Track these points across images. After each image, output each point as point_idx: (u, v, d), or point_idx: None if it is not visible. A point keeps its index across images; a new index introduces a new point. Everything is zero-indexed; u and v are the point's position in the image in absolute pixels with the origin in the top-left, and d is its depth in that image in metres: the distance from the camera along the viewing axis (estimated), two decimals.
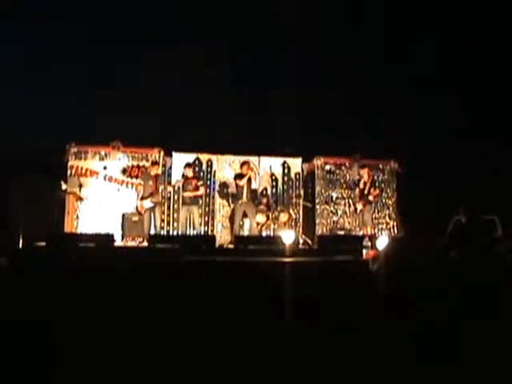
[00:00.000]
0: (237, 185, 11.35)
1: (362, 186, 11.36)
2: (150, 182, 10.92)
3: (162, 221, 11.83)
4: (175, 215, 12.25)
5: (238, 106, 14.28)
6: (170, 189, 11.04)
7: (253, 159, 12.86)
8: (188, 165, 11.63)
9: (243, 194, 11.18)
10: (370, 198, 11.29)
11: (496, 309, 4.36)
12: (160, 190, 10.95)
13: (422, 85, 15.25)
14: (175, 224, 12.21)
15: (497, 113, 15.31)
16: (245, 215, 11.42)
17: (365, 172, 11.47)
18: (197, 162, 12.61)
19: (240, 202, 11.22)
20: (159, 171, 11.38)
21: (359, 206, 11.31)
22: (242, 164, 11.58)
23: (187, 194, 11.16)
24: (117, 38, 15.01)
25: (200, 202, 11.81)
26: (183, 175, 11.42)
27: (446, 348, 3.56)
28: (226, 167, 12.84)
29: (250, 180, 11.31)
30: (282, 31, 14.61)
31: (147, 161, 12.39)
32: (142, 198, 10.92)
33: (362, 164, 12.32)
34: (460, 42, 15.51)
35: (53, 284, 4.80)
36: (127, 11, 15.20)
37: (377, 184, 12.17)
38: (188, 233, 11.41)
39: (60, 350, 3.36)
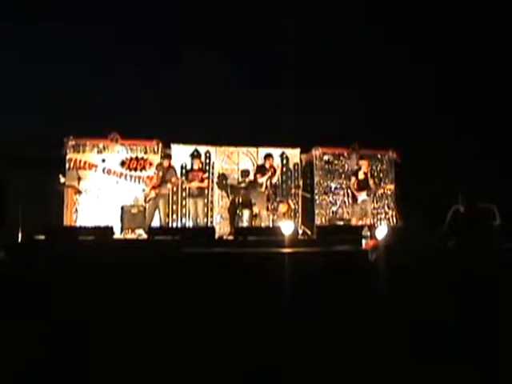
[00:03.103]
0: (255, 178, 11.38)
1: (362, 176, 11.34)
2: (160, 173, 11.05)
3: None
4: (174, 207, 12.29)
5: (236, 97, 14.24)
6: (169, 185, 11.06)
7: (251, 150, 12.89)
8: (196, 156, 11.81)
9: (262, 187, 11.22)
10: (382, 188, 11.40)
11: (494, 302, 4.36)
12: (168, 184, 11.02)
13: (420, 74, 15.22)
14: (174, 216, 12.25)
15: (496, 102, 15.30)
16: (245, 206, 11.49)
17: (364, 164, 11.47)
18: (195, 153, 12.60)
19: (258, 190, 11.22)
20: (172, 164, 11.45)
21: (361, 196, 11.27)
22: (266, 157, 11.64)
23: (194, 185, 11.23)
24: (113, 34, 15.00)
25: (205, 193, 11.85)
26: (191, 167, 11.58)
27: (445, 341, 3.56)
28: (224, 158, 12.84)
29: (272, 176, 11.33)
30: (280, 24, 14.59)
31: (146, 153, 12.40)
32: (153, 188, 11.01)
33: (361, 155, 12.36)
34: (459, 33, 15.47)
35: (51, 277, 4.80)
36: (126, 9, 15.18)
37: (375, 175, 12.24)
38: (189, 225, 11.46)
39: (57, 343, 3.36)
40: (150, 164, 12.29)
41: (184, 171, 12.18)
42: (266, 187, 11.26)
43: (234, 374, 3.07)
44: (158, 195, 10.93)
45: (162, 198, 11.04)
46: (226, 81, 14.16)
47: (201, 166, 11.67)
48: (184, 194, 12.23)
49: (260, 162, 12.37)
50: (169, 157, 11.52)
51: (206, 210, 11.94)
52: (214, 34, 14.86)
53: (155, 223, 10.94)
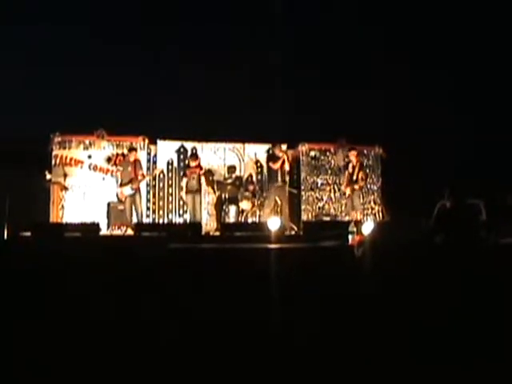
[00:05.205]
0: (270, 167, 11.24)
1: (350, 169, 11.31)
2: (129, 169, 10.98)
3: (148, 209, 11.87)
4: (160, 203, 12.28)
5: (223, 93, 14.23)
6: (147, 178, 11.05)
7: (237, 146, 12.89)
8: (193, 155, 11.86)
9: (278, 177, 11.06)
10: (362, 183, 11.30)
11: (481, 298, 4.38)
12: (139, 177, 10.97)
13: (405, 70, 15.28)
14: (161, 212, 12.25)
15: (481, 96, 15.41)
16: (232, 202, 11.50)
17: (353, 155, 11.40)
18: (182, 149, 12.58)
19: (276, 185, 11.04)
20: (137, 157, 11.37)
21: (347, 191, 11.28)
22: (273, 146, 11.53)
23: (193, 182, 11.25)
24: (105, 33, 15.00)
25: (201, 190, 11.83)
26: (188, 164, 11.56)
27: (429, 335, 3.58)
28: (210, 154, 12.83)
29: (284, 163, 11.09)
30: (267, 23, 14.65)
31: None
32: (122, 185, 10.95)
33: (350, 147, 12.22)
34: (444, 26, 15.57)
35: (37, 273, 4.78)
36: (123, 8, 15.19)
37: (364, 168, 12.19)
38: (175, 220, 11.47)
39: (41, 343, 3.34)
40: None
41: (171, 167, 12.19)
42: (282, 178, 11.09)
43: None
44: (136, 190, 10.91)
45: (138, 194, 11.02)
46: (213, 78, 14.16)
47: (198, 163, 11.62)
48: (171, 190, 12.23)
49: (246, 158, 12.38)
50: (134, 150, 11.44)
51: (201, 205, 11.94)
52: (200, 34, 14.87)
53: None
